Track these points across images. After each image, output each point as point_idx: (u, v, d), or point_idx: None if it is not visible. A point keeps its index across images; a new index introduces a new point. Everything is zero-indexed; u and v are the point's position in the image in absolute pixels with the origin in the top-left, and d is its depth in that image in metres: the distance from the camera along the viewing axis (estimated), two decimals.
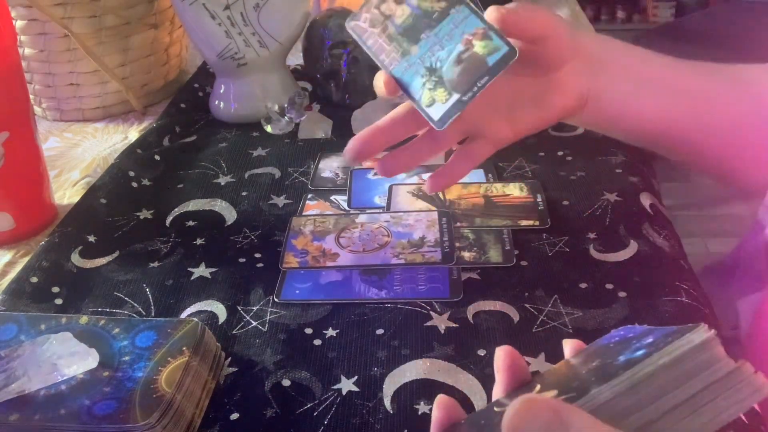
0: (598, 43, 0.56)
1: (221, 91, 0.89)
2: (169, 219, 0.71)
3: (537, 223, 0.66)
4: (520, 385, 0.36)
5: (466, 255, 0.63)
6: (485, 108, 0.54)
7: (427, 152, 0.56)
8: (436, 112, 0.49)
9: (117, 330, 0.52)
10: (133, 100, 0.93)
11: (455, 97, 0.48)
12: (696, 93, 0.59)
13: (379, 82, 0.52)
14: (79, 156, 0.86)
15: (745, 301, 0.63)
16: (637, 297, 0.57)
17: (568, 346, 0.38)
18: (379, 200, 0.71)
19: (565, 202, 0.69)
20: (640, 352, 0.29)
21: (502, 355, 0.37)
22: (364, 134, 0.55)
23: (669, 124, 0.59)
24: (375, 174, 0.75)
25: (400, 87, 0.51)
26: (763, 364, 0.53)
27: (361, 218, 0.68)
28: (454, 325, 0.56)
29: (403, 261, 0.62)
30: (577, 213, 0.67)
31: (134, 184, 0.76)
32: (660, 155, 0.65)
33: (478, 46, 0.48)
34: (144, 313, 0.59)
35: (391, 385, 0.51)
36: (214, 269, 0.63)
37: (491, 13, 0.48)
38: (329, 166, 0.78)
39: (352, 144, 0.55)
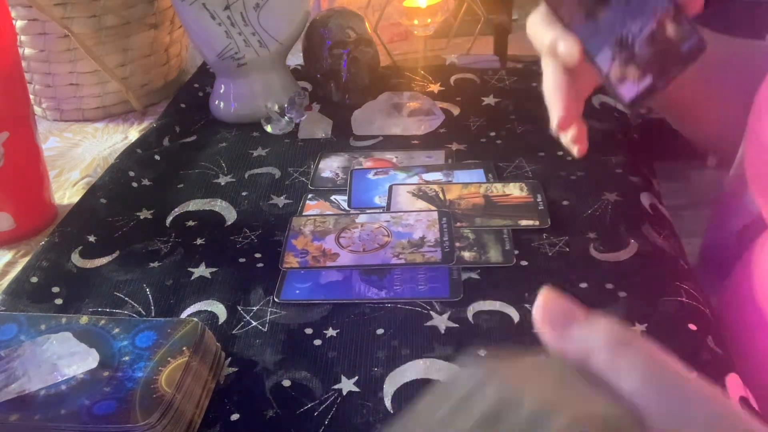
0: None
1: (221, 91, 0.89)
2: (169, 219, 0.71)
3: (537, 223, 0.66)
4: None
5: (466, 255, 0.63)
6: None
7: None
8: (628, 91, 0.47)
9: (117, 330, 0.52)
10: (133, 100, 0.93)
11: (648, 80, 0.46)
12: (718, 60, 0.61)
13: (567, 44, 0.48)
14: (79, 156, 0.86)
15: (712, 298, 0.64)
16: (637, 297, 0.57)
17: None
18: (379, 200, 0.71)
19: (565, 202, 0.69)
20: None
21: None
22: (564, 106, 0.53)
23: (689, 88, 0.61)
24: (375, 174, 0.75)
25: (583, 51, 0.48)
26: (736, 355, 0.53)
27: (361, 218, 0.68)
28: (454, 325, 0.56)
29: (403, 261, 0.62)
30: (577, 213, 0.67)
31: (134, 184, 0.76)
32: (660, 155, 0.66)
33: (671, 30, 0.46)
34: (144, 313, 0.59)
35: (391, 384, 0.51)
36: (214, 269, 0.63)
37: None
38: (329, 166, 0.78)
39: (559, 116, 0.53)
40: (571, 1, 0.47)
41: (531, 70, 0.96)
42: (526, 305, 0.57)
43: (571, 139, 0.55)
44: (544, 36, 0.50)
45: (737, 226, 0.61)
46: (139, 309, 0.59)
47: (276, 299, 0.59)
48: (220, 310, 0.59)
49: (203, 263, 0.64)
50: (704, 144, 0.69)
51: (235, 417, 0.49)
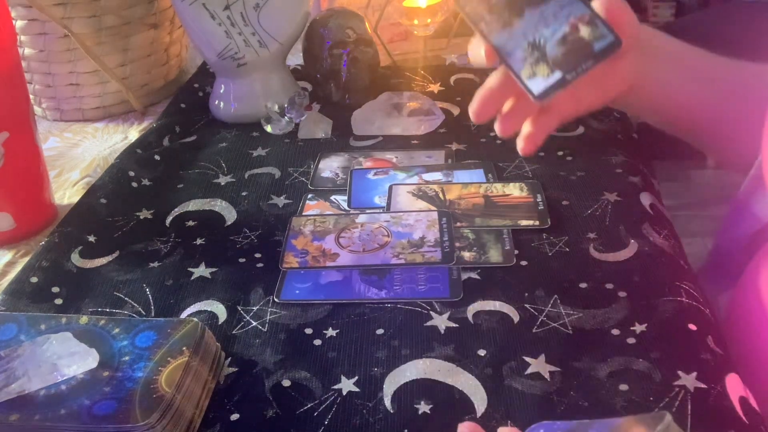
0: (647, 33, 0.61)
1: (221, 91, 0.89)
2: (169, 219, 0.71)
3: (537, 223, 0.66)
4: None
5: (466, 255, 0.63)
6: None
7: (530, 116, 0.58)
8: (536, 86, 0.51)
9: (117, 330, 0.52)
10: (133, 100, 0.93)
11: (558, 74, 0.50)
12: (726, 84, 0.63)
13: (479, 50, 0.54)
14: (79, 156, 0.86)
15: (723, 297, 0.64)
16: (637, 297, 0.57)
17: None
18: (379, 200, 0.71)
19: (565, 202, 0.69)
20: None
21: None
22: (483, 97, 0.56)
23: (699, 111, 0.62)
24: (375, 174, 0.75)
25: (498, 56, 0.53)
26: (740, 356, 0.54)
27: (361, 218, 0.68)
28: (454, 325, 0.56)
29: (403, 261, 0.62)
30: (577, 213, 0.67)
31: (134, 184, 0.76)
32: (660, 155, 0.67)
33: (585, 31, 0.50)
34: (144, 313, 0.59)
35: (391, 384, 0.51)
36: (214, 269, 0.63)
37: (599, 2, 0.51)
38: (329, 166, 0.78)
39: (475, 106, 0.56)
40: (490, 16, 0.53)
41: None
42: (526, 305, 0.57)
43: (500, 129, 0.58)
44: (470, 50, 0.56)
45: (749, 231, 0.62)
46: (139, 309, 0.59)
47: (276, 299, 0.59)
48: (220, 310, 0.59)
49: (203, 263, 0.64)
50: (718, 156, 0.70)
51: (235, 417, 0.49)
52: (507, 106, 0.57)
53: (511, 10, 0.52)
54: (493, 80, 0.55)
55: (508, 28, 0.52)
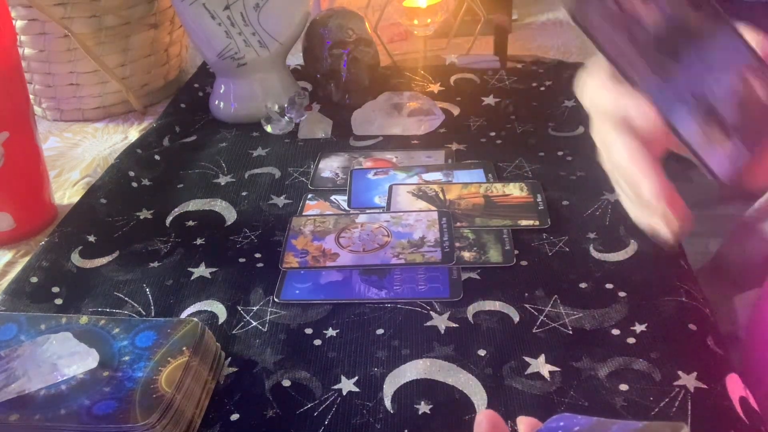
0: None
1: (221, 91, 0.89)
2: (169, 219, 0.71)
3: (537, 223, 0.66)
4: None
5: (466, 255, 0.63)
6: None
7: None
8: (717, 161, 0.39)
9: (117, 330, 0.52)
10: (133, 100, 0.93)
11: (741, 146, 0.39)
12: None
13: (642, 111, 0.40)
14: (79, 156, 0.86)
15: (742, 298, 0.63)
16: (637, 297, 0.57)
17: (523, 425, 0.38)
18: (379, 200, 0.71)
19: (565, 202, 0.69)
20: None
21: (484, 422, 0.37)
22: (657, 175, 0.44)
23: None
24: (375, 174, 0.75)
25: (662, 118, 0.40)
26: (761, 355, 0.53)
27: (361, 218, 0.68)
28: (454, 325, 0.56)
29: (403, 261, 0.62)
30: (577, 213, 0.67)
31: (134, 184, 0.76)
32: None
33: (759, 87, 0.38)
34: (144, 313, 0.59)
35: (391, 385, 0.51)
36: (214, 269, 0.63)
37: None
38: (329, 166, 0.78)
39: (655, 186, 0.44)
40: (640, 62, 0.39)
41: (531, 70, 0.96)
42: (526, 305, 0.57)
43: (670, 215, 0.45)
44: (608, 101, 0.42)
45: (762, 252, 0.61)
46: (139, 309, 0.59)
47: (276, 299, 0.59)
48: (220, 310, 0.59)
49: (203, 263, 0.64)
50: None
51: (235, 417, 0.49)
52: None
53: (666, 52, 0.39)
54: (639, 152, 0.43)
55: (666, 78, 0.39)
